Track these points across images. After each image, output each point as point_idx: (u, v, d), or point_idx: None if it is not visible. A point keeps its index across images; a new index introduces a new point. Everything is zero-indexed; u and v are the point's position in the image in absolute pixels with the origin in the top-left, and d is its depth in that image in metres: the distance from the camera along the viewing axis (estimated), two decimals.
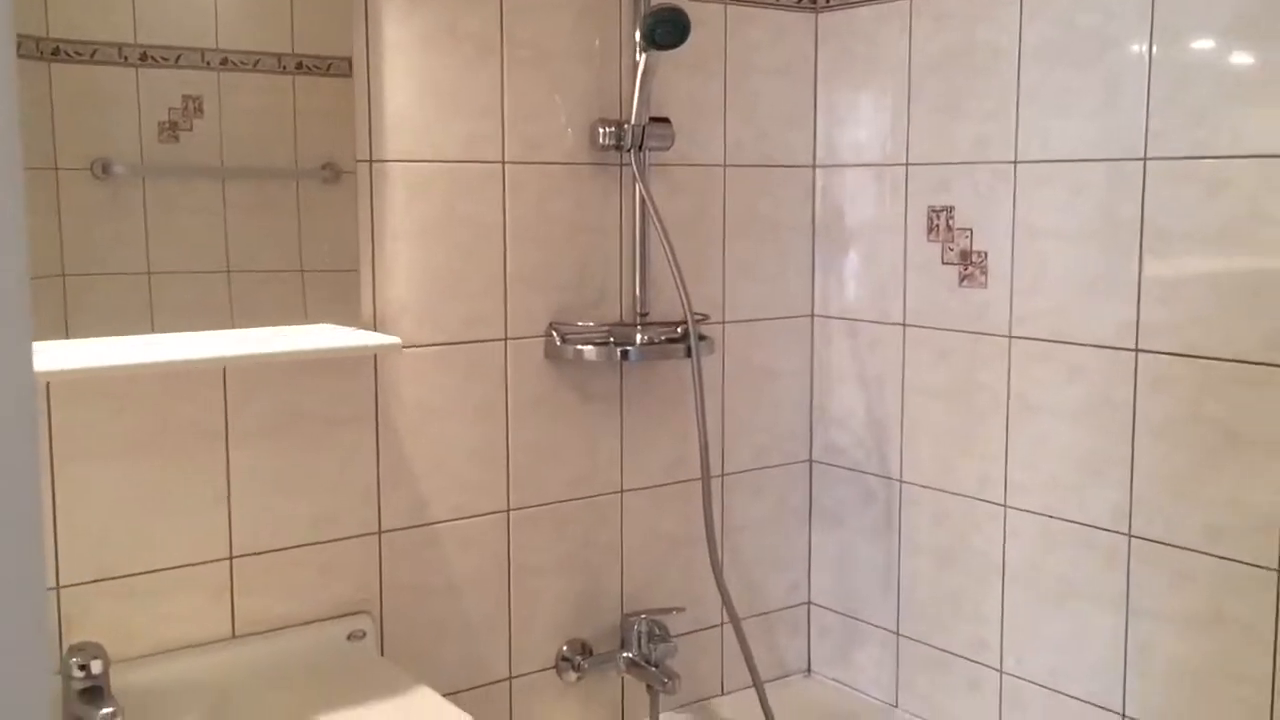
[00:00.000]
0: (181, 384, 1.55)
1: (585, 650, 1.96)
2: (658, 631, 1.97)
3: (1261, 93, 1.55)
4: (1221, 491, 1.61)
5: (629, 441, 1.98)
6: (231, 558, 1.61)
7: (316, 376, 1.66)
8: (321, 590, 1.71)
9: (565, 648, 1.95)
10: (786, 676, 2.23)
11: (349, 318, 1.68)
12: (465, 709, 1.56)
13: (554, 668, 1.94)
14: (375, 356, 1.71)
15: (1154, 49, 1.64)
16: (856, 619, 2.16)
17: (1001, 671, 1.92)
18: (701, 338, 1.92)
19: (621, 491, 1.99)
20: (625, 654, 1.95)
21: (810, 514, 2.23)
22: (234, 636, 1.62)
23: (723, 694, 2.15)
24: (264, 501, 1.64)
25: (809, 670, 2.26)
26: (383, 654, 1.75)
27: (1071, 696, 1.82)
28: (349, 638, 1.71)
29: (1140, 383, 1.69)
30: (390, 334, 1.69)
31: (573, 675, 1.95)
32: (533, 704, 1.92)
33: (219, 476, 1.59)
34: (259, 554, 1.63)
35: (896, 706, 2.10)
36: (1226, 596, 1.61)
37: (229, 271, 1.59)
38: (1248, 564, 1.59)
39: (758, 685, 1.96)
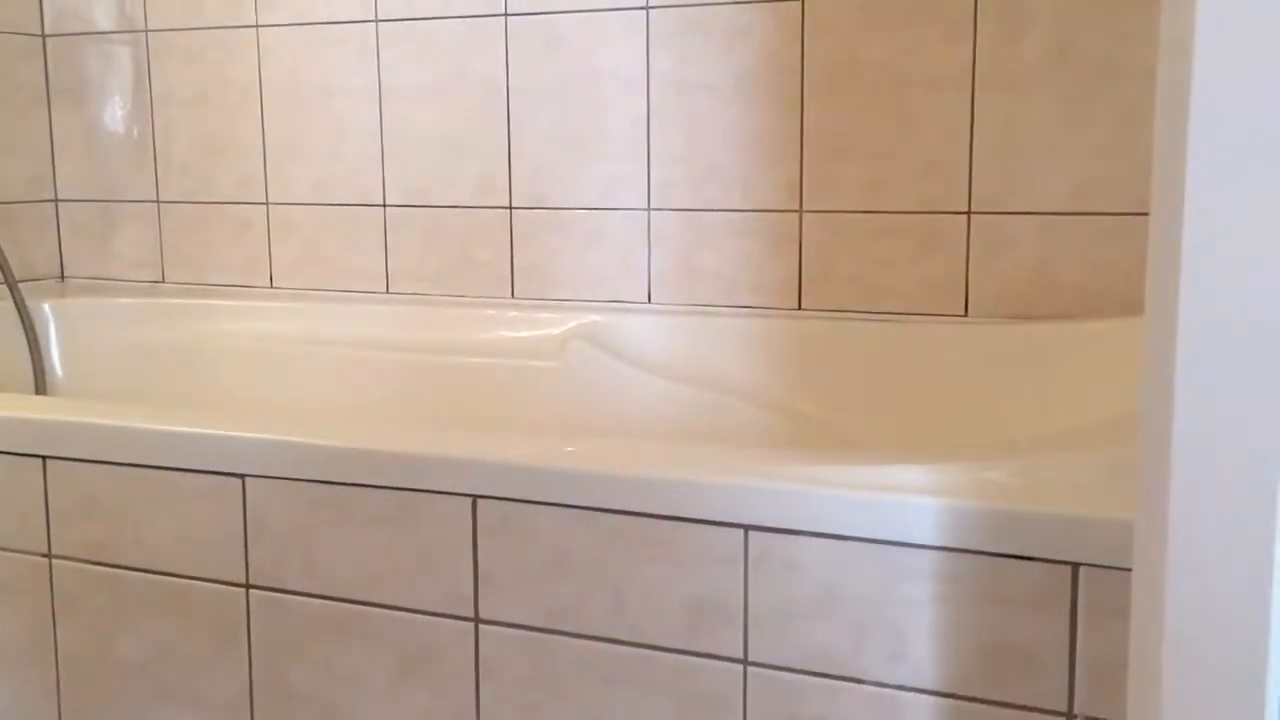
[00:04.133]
0: None
1: None
2: None
3: None
4: None
5: None
6: None
7: None
8: None
9: None
10: (36, 280, 1.99)
11: None
12: None
13: None
14: None
15: None
16: (112, 201, 1.98)
17: (268, 204, 1.88)
18: None
19: None
20: None
21: (48, 95, 1.99)
22: None
23: None
24: None
25: (63, 276, 2.04)
26: None
27: (336, 204, 1.83)
28: None
29: None
30: None
31: None
32: None
33: None
34: None
35: (163, 281, 1.97)
36: (468, 56, 1.72)
37: None
38: (484, 15, 1.70)
39: (8, 277, 1.72)
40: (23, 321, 1.75)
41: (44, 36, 1.98)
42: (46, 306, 1.82)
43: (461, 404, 1.65)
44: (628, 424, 1.56)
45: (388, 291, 1.82)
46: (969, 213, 1.49)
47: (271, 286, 1.90)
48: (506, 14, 1.69)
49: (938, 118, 1.49)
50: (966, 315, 1.51)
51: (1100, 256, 1.44)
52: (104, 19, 1.94)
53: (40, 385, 1.77)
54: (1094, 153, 1.43)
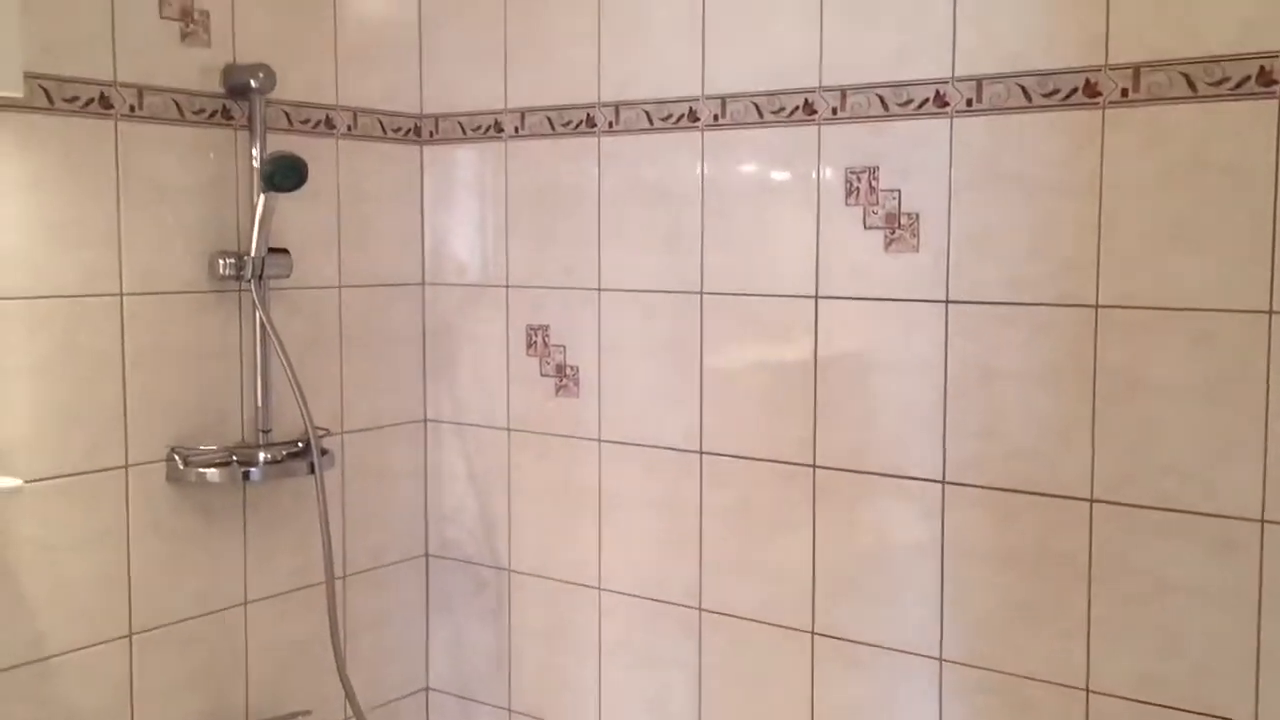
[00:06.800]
0: None
1: None
2: None
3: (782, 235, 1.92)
4: (769, 569, 1.96)
5: (254, 554, 2.06)
6: None
7: None
8: None
9: None
10: None
11: None
12: None
13: None
14: None
15: (705, 200, 1.99)
16: (472, 700, 2.35)
17: None
18: (323, 452, 2.05)
19: (246, 603, 2.06)
20: None
21: (428, 605, 2.40)
22: None
23: None
24: None
25: None
26: None
27: None
28: None
29: (705, 479, 2.02)
30: (5, 474, 1.69)
31: None
32: None
33: None
34: None
35: None
36: (771, 658, 1.97)
37: None
38: (789, 628, 1.95)
39: None
40: None
41: (426, 557, 2.40)
42: None
43: None
44: None
45: None
46: None
47: None
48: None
49: None
50: None
51: None
52: (476, 553, 2.33)
53: None
54: None
